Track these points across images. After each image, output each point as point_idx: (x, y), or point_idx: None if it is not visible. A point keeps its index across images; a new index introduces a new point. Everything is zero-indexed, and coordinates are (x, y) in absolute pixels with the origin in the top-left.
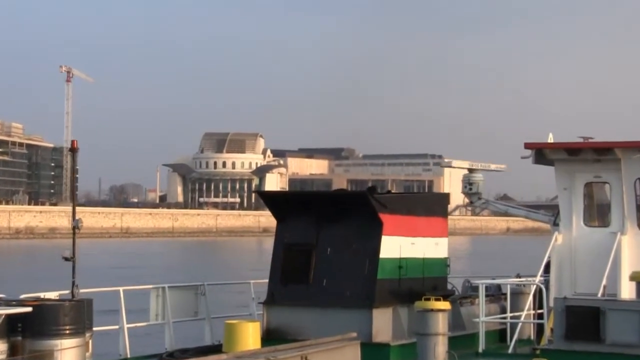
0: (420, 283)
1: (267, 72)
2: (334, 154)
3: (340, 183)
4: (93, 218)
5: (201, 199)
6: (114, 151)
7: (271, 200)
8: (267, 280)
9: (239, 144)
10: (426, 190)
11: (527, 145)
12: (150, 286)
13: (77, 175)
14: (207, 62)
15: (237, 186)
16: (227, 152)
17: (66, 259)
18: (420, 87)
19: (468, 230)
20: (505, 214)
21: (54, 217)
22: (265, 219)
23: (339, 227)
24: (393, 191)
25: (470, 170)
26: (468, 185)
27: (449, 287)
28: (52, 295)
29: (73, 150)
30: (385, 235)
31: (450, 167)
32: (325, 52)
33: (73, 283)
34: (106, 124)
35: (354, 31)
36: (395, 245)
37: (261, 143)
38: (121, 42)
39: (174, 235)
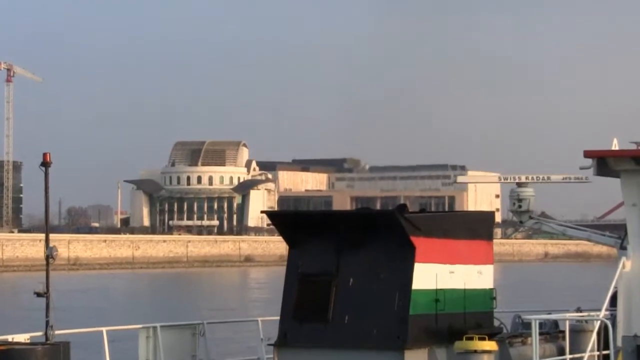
0: (461, 319)
1: (252, 70)
2: (334, 165)
3: (342, 201)
4: (33, 247)
5: (171, 222)
6: (73, 164)
7: (282, 222)
8: (278, 318)
9: (218, 155)
10: (446, 208)
11: (587, 154)
12: (139, 326)
13: (21, 196)
14: (179, 58)
15: (216, 206)
16: (203, 164)
17: (39, 294)
18: (436, 87)
19: (496, 255)
20: (562, 236)
21: None
22: (248, 245)
23: (363, 253)
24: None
25: (519, 185)
26: (517, 202)
27: (496, 323)
28: (23, 337)
29: (46, 164)
30: (418, 262)
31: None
32: (324, 46)
33: (47, 323)
34: (60, 131)
35: (358, 22)
36: (431, 275)
37: (245, 153)
38: (75, 35)
39: (134, 266)
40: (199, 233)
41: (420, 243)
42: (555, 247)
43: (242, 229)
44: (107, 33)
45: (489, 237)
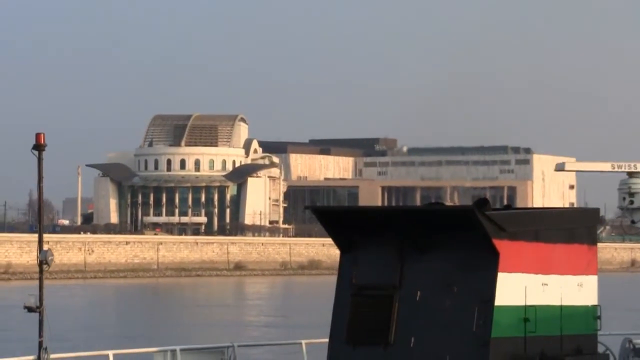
0: (557, 343)
1: (259, 30)
2: (363, 147)
3: (371, 192)
4: None
5: (146, 218)
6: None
7: (332, 220)
8: (326, 340)
9: (208, 133)
10: (505, 201)
11: None
12: (155, 349)
13: None
14: (165, 18)
15: (203, 198)
16: (188, 144)
17: (30, 309)
18: (492, 50)
19: None
20: None
21: None
22: (239, 248)
23: (433, 260)
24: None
25: (630, 174)
26: (627, 197)
27: (601, 349)
28: None
29: (39, 147)
30: (502, 271)
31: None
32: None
33: (40, 345)
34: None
35: None
36: (519, 287)
37: (243, 130)
38: None
39: (86, 275)
40: (182, 233)
41: (505, 248)
42: None
43: (236, 227)
44: None
45: (592, 240)
